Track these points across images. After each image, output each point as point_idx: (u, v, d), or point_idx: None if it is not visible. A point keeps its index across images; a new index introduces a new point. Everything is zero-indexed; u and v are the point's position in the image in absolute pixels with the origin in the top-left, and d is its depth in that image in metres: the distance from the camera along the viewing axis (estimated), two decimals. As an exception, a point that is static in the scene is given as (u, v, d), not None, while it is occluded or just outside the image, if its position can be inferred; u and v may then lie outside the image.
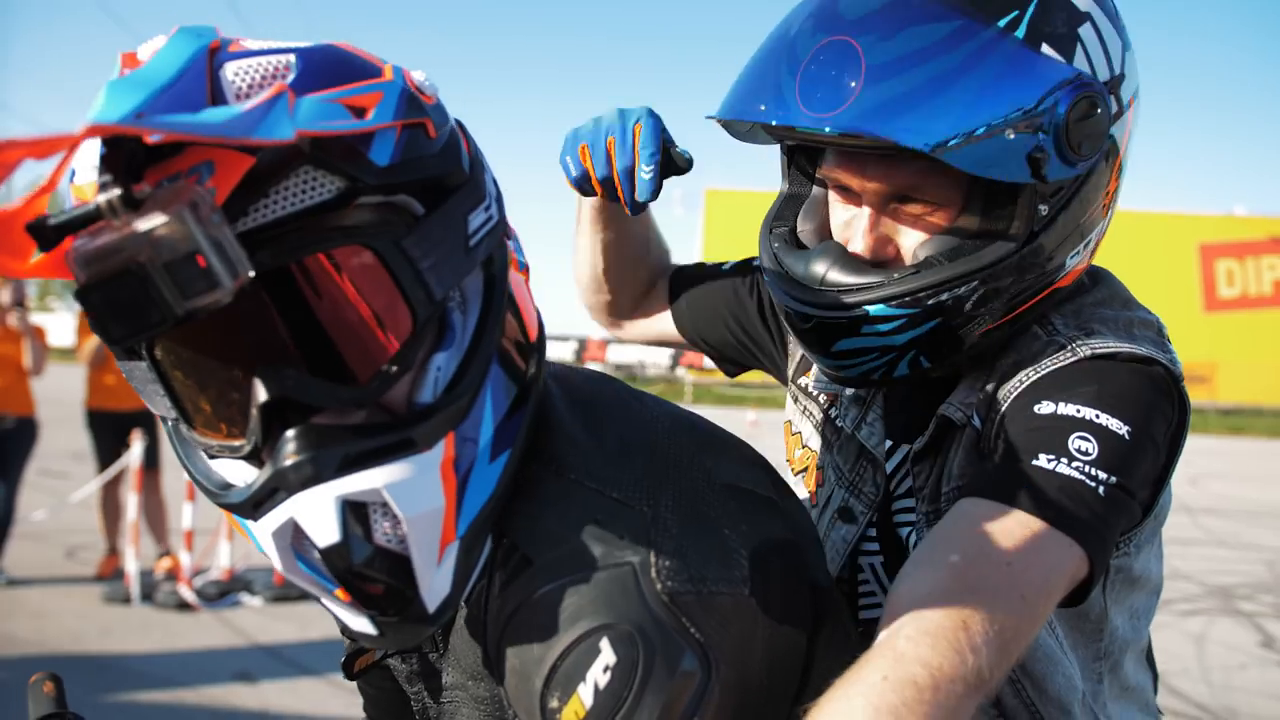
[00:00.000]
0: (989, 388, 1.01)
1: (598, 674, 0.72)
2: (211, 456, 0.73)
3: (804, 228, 1.09)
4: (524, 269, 0.85)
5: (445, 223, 0.71)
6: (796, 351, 1.27)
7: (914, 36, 0.90)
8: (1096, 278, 1.11)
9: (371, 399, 0.68)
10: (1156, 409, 0.94)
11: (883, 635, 0.78)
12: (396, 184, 0.68)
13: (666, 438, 0.86)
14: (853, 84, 0.89)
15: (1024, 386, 0.97)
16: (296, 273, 0.69)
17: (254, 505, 0.68)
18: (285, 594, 5.67)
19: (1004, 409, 0.97)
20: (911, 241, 0.99)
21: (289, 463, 0.65)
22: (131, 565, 5.59)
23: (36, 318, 6.34)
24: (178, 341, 0.70)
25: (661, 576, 0.74)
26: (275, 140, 0.58)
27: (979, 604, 0.77)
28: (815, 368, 1.21)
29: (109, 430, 6.15)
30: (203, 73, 0.63)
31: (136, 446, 5.84)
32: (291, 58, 0.67)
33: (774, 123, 0.94)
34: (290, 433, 0.66)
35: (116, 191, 0.56)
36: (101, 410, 6.18)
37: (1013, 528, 0.83)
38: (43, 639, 4.77)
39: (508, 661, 0.77)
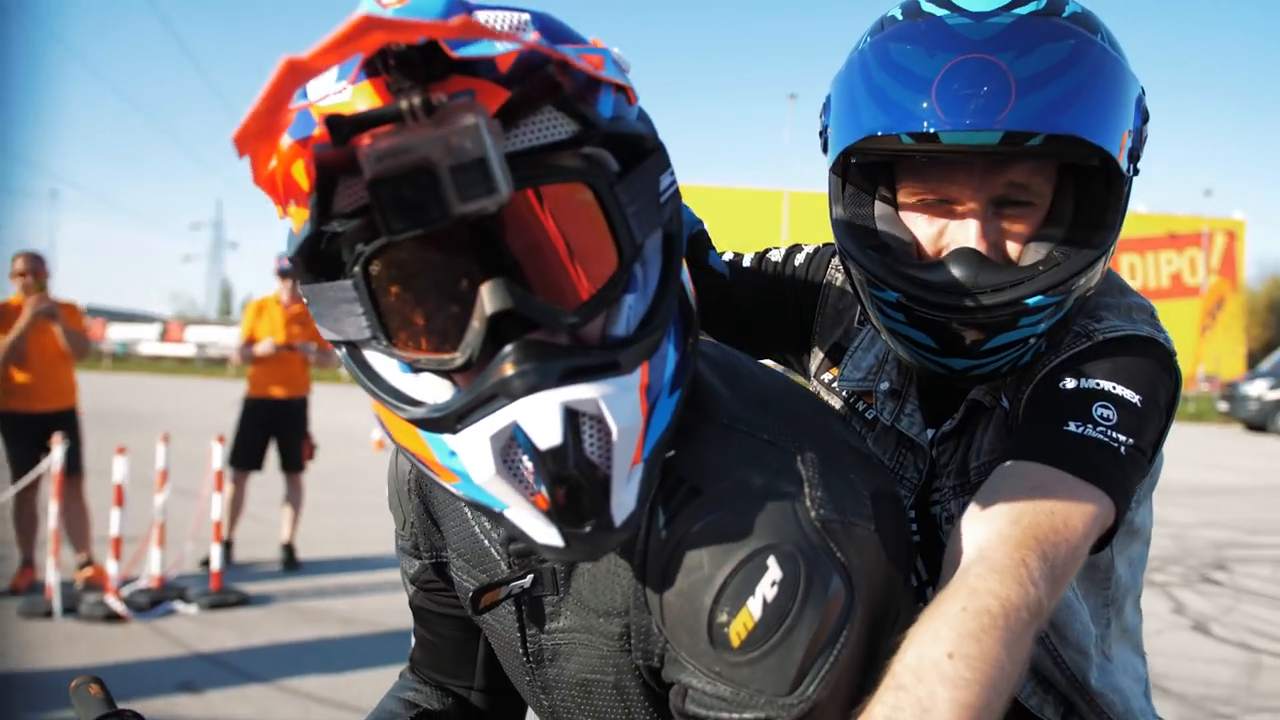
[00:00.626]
0: (1025, 378, 1.12)
1: (766, 588, 0.80)
2: (416, 370, 0.77)
3: (888, 244, 1.13)
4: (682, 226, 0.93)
5: (645, 178, 0.78)
6: (819, 351, 1.34)
7: (1048, 52, 1.00)
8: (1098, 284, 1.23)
9: (586, 321, 0.75)
10: (1159, 381, 1.07)
11: (955, 575, 0.89)
12: (613, 135, 0.75)
13: (791, 394, 0.96)
14: (1007, 94, 0.97)
15: (1048, 368, 1.08)
16: (514, 203, 0.74)
17: (459, 417, 0.73)
18: (222, 600, 5.50)
19: (1030, 389, 1.10)
20: (1018, 240, 1.08)
21: (514, 370, 0.70)
22: (52, 576, 5.28)
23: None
24: (408, 254, 0.74)
25: (815, 505, 0.84)
26: (570, 60, 0.69)
27: (1033, 545, 0.89)
28: (848, 365, 1.29)
29: (23, 434, 5.77)
30: (461, 12, 0.69)
31: (57, 451, 5.53)
32: (526, 16, 0.75)
33: (932, 129, 0.99)
34: (513, 345, 0.71)
35: (418, 97, 0.63)
36: (14, 413, 5.79)
37: (1053, 482, 0.95)
38: (-41, 657, 4.54)
39: (671, 586, 0.83)
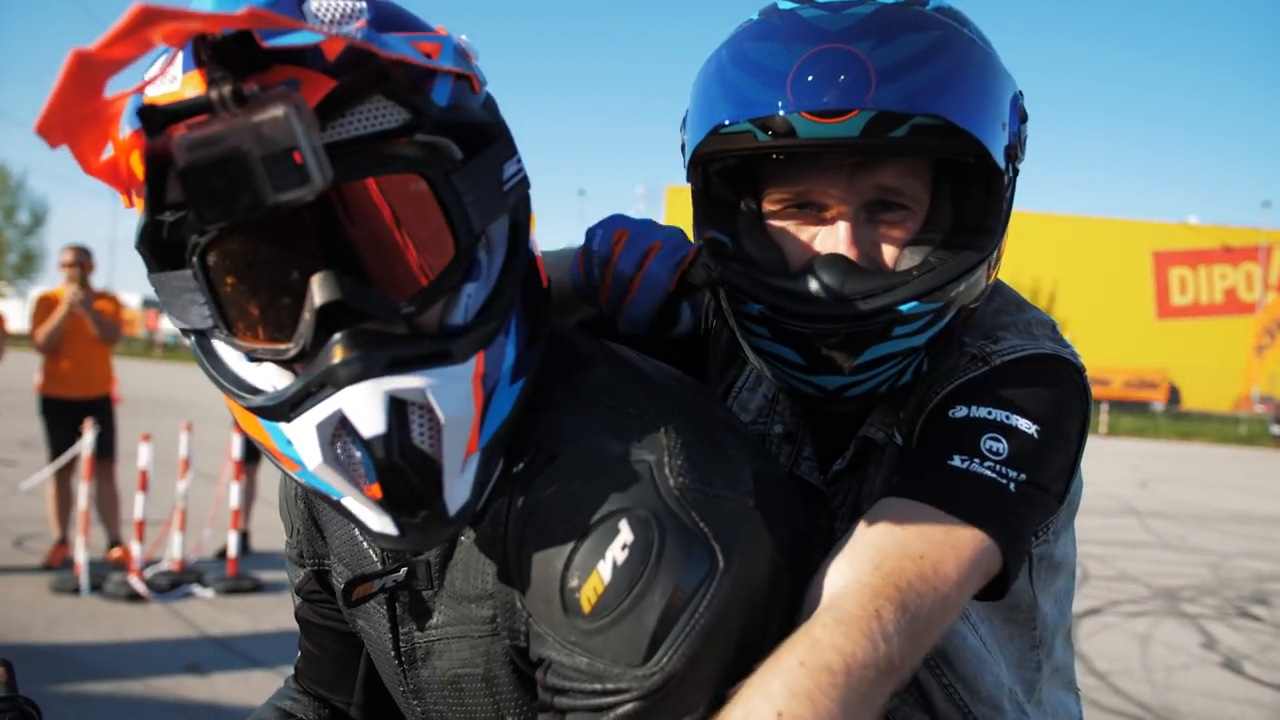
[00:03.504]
0: (911, 403, 1.04)
1: (616, 551, 0.78)
2: (253, 360, 0.77)
3: (751, 255, 1.05)
4: (530, 215, 0.91)
5: (486, 167, 0.78)
6: (716, 388, 1.25)
7: (911, 41, 0.94)
8: (986, 293, 1.13)
9: (419, 312, 0.74)
10: (1065, 405, 0.99)
11: (802, 624, 0.81)
12: (449, 124, 0.75)
13: (673, 379, 0.95)
14: (866, 82, 0.91)
15: (939, 396, 1.00)
16: (349, 193, 0.74)
17: (291, 405, 0.73)
18: (237, 586, 5.60)
19: (922, 420, 1.01)
20: (893, 246, 1.00)
21: (340, 359, 0.70)
22: (81, 555, 5.48)
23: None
24: (240, 245, 0.74)
25: (674, 473, 0.81)
26: (380, 51, 0.68)
27: (892, 594, 0.81)
28: (733, 405, 1.20)
29: (63, 418, 6.03)
30: (292, 2, 0.71)
31: (89, 435, 5.73)
32: (363, 4, 0.74)
33: (782, 112, 0.92)
34: (341, 334, 0.71)
35: (228, 87, 0.62)
36: (55, 397, 6.08)
37: (927, 523, 0.87)
38: (-13, 629, 4.67)
39: (526, 554, 0.82)
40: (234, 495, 6.02)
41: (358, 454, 0.73)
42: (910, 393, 1.04)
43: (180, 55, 0.70)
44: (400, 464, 0.72)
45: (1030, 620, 1.11)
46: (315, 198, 0.63)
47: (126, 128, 0.69)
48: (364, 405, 0.70)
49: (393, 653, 0.97)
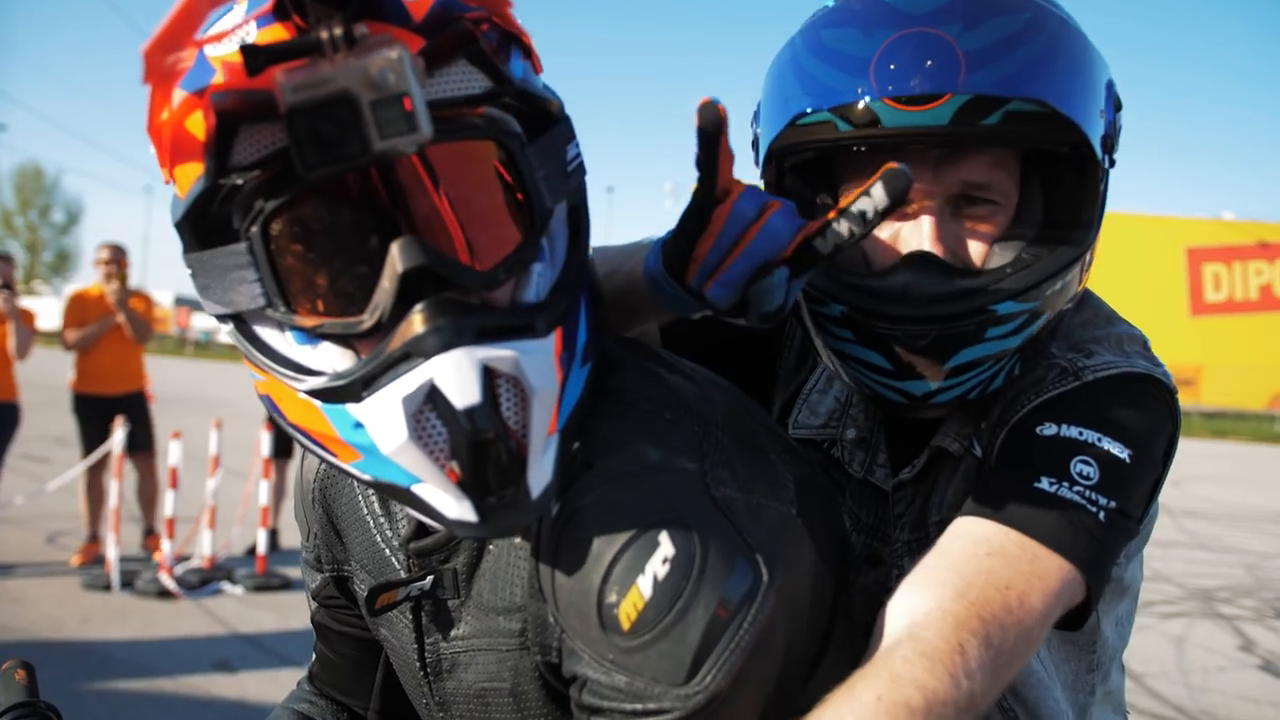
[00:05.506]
0: (993, 414, 0.99)
1: (657, 565, 0.73)
2: (316, 338, 0.73)
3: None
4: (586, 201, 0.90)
5: (553, 144, 0.77)
6: (779, 397, 1.21)
7: (1001, 24, 0.89)
8: (1077, 298, 1.08)
9: (499, 282, 0.72)
10: (1158, 429, 0.94)
11: (879, 651, 0.78)
12: (523, 96, 0.74)
13: (709, 382, 0.90)
14: (956, 66, 0.86)
15: (1026, 410, 0.95)
16: (431, 157, 0.72)
17: (365, 382, 0.68)
18: (266, 583, 5.65)
19: (1005, 433, 0.96)
20: (982, 243, 0.95)
21: (428, 327, 0.66)
22: (112, 552, 5.54)
23: (24, 301, 6.33)
24: (314, 209, 0.70)
25: (714, 484, 0.78)
26: (467, 14, 0.69)
27: (977, 627, 0.77)
28: (802, 409, 1.15)
29: (96, 415, 6.12)
30: None
31: (119, 432, 5.80)
32: None
33: (868, 99, 0.88)
34: (425, 302, 0.67)
35: (339, 28, 0.61)
36: (88, 395, 6.16)
37: (1013, 551, 0.83)
38: (22, 625, 4.73)
39: (562, 567, 0.77)
40: (263, 492, 6.08)
41: (441, 430, 0.68)
42: (992, 403, 0.99)
43: (245, 13, 0.68)
44: (492, 439, 0.67)
45: (1090, 644, 1.07)
46: (419, 149, 0.62)
47: (181, 91, 0.67)
48: (458, 374, 0.66)
49: (417, 663, 0.94)
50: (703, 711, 0.72)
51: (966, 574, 0.81)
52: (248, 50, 0.61)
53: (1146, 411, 0.94)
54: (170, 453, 5.81)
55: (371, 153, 0.61)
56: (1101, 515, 0.86)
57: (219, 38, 0.68)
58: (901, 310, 0.91)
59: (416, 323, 0.67)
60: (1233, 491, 13.58)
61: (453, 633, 0.89)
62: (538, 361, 0.70)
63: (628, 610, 0.73)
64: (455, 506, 0.71)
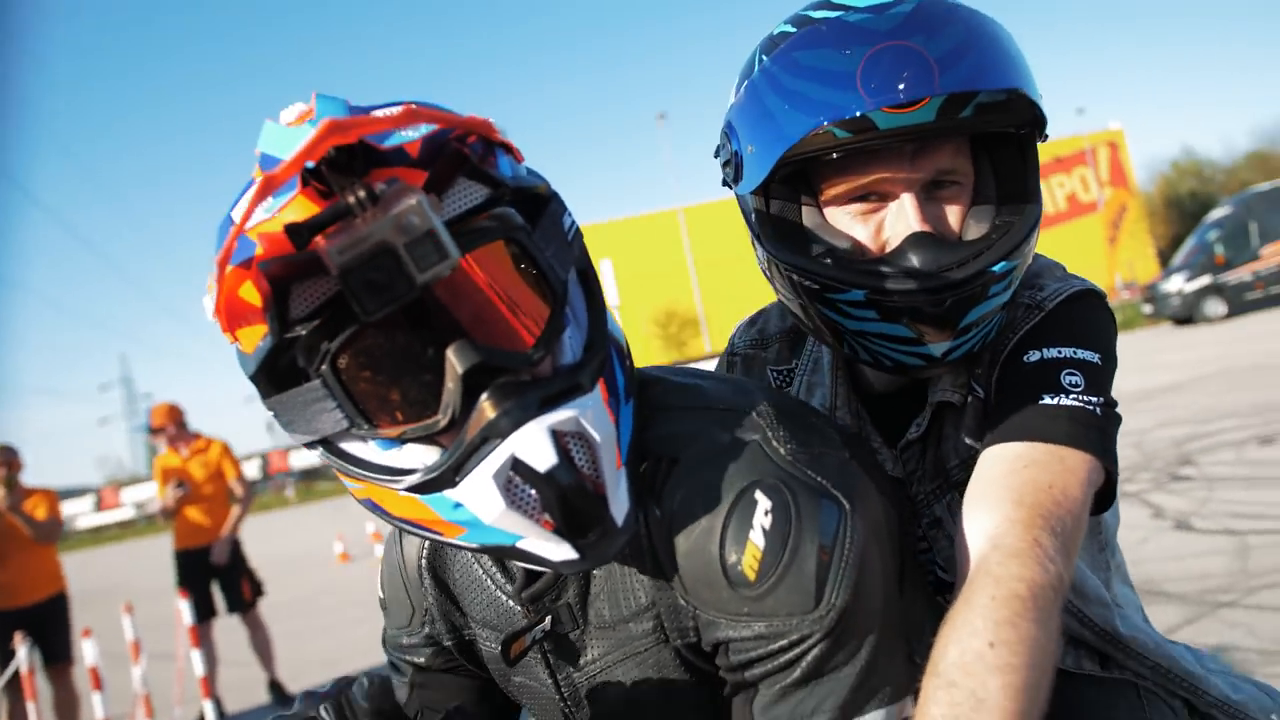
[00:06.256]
0: (984, 359, 1.14)
1: (761, 519, 0.86)
2: (401, 442, 0.83)
3: (833, 247, 1.12)
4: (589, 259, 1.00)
5: (552, 222, 0.88)
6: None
7: (953, 32, 1.03)
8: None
9: (542, 358, 0.82)
10: (1107, 329, 1.12)
11: (973, 567, 0.92)
12: (516, 191, 0.84)
13: (739, 382, 1.05)
14: (930, 71, 0.99)
15: (1009, 347, 1.11)
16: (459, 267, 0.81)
17: (455, 469, 0.79)
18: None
19: (997, 371, 1.12)
20: (957, 217, 1.10)
21: (497, 412, 0.77)
22: (46, 778, 5.08)
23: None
24: (373, 338, 0.80)
25: (780, 443, 0.92)
26: (482, 132, 0.81)
27: (1042, 523, 0.92)
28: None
29: (6, 631, 5.44)
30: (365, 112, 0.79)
31: (21, 651, 5.29)
32: (411, 106, 0.80)
33: (871, 108, 0.99)
34: (488, 391, 0.77)
35: (362, 191, 0.70)
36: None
37: (1043, 458, 0.98)
38: None
39: (680, 551, 0.89)
40: (197, 662, 5.73)
41: (531, 493, 0.79)
42: (979, 352, 1.13)
43: (258, 192, 0.75)
44: (574, 489, 0.78)
45: (1098, 527, 1.24)
46: (451, 271, 0.72)
47: (229, 265, 0.76)
48: (533, 444, 0.77)
49: (558, 698, 1.02)
50: (838, 626, 0.85)
51: (1015, 487, 0.96)
52: (291, 228, 0.72)
53: (1097, 318, 1.12)
54: (85, 653, 5.39)
55: (417, 287, 0.71)
56: (1098, 410, 1.03)
57: (247, 216, 0.76)
58: (920, 284, 1.04)
59: (487, 410, 0.77)
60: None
61: (582, 660, 1.00)
62: (594, 413, 0.82)
63: (749, 563, 0.86)
64: (557, 551, 0.82)
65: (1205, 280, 21.04)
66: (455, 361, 0.78)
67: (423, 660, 1.14)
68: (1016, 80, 1.03)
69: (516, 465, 0.77)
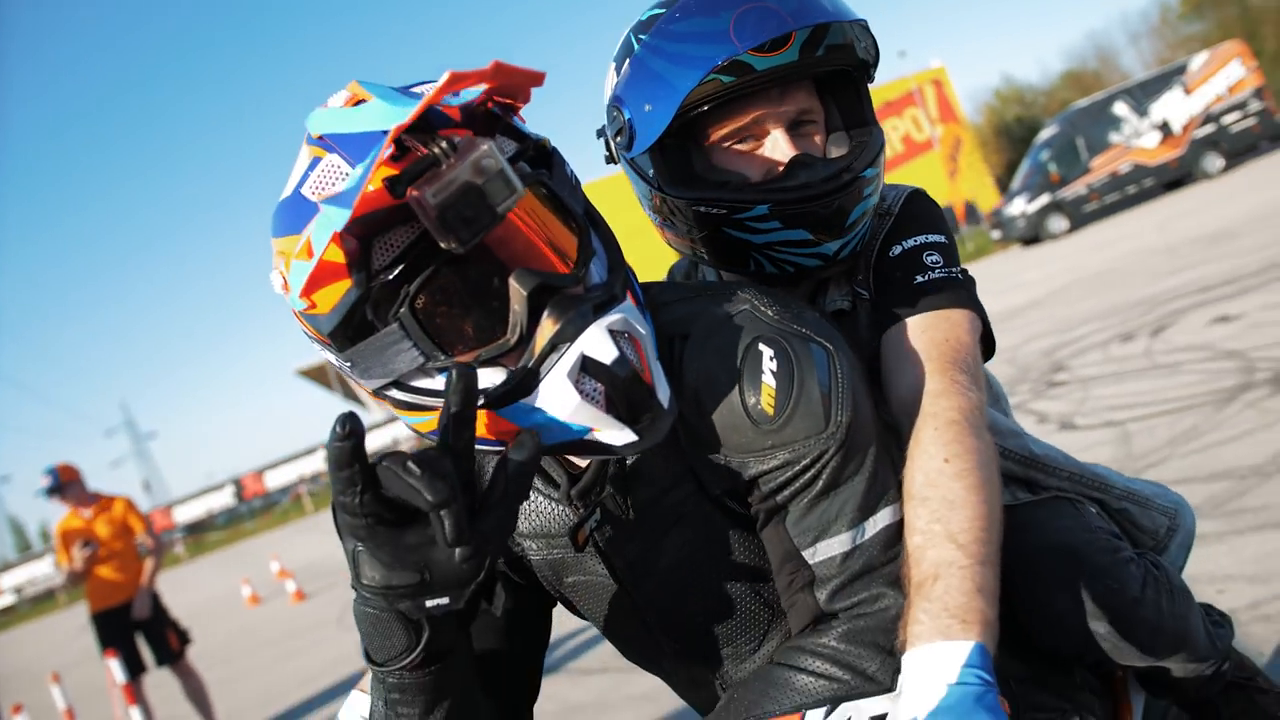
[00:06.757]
0: (859, 265, 1.35)
1: (768, 364, 1.02)
2: (481, 364, 0.92)
3: (728, 179, 1.31)
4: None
5: (561, 171, 1.02)
6: None
7: None
8: None
9: (584, 276, 0.96)
10: (940, 215, 1.36)
11: (909, 415, 1.10)
12: (534, 143, 0.99)
13: (714, 280, 1.20)
14: (786, 20, 1.19)
15: (876, 250, 1.34)
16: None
17: (535, 374, 0.90)
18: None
19: (872, 272, 1.34)
20: (818, 144, 1.32)
21: (562, 322, 0.89)
22: None
23: None
24: (447, 277, 0.92)
25: (766, 306, 1.07)
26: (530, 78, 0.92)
27: (951, 366, 1.13)
28: None
29: None
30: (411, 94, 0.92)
31: None
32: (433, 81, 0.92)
33: (746, 49, 1.17)
34: (550, 305, 0.90)
35: (444, 142, 0.84)
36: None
37: (933, 321, 1.20)
38: None
39: (708, 409, 1.03)
40: (137, 719, 5.43)
41: (598, 386, 0.91)
42: (855, 262, 1.35)
43: (328, 170, 0.90)
44: (630, 379, 0.91)
45: (986, 381, 1.44)
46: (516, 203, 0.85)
47: (306, 241, 0.87)
48: (598, 342, 0.90)
49: (614, 584, 1.15)
50: (848, 438, 1.01)
51: (921, 349, 1.17)
52: (390, 180, 0.83)
53: (931, 208, 1.37)
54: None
55: (499, 217, 0.84)
56: (959, 276, 1.26)
57: (329, 190, 0.89)
58: (814, 190, 1.23)
59: (552, 322, 0.90)
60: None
61: (632, 542, 1.12)
62: (635, 316, 0.96)
63: (766, 401, 1.00)
64: (621, 436, 0.94)
65: (1045, 199, 22.14)
66: (519, 285, 0.90)
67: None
68: (853, 14, 1.24)
69: (585, 363, 0.90)
